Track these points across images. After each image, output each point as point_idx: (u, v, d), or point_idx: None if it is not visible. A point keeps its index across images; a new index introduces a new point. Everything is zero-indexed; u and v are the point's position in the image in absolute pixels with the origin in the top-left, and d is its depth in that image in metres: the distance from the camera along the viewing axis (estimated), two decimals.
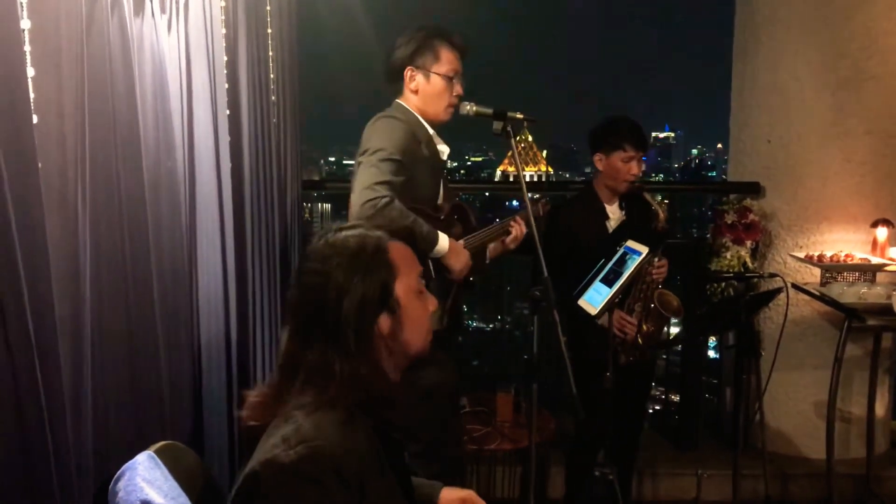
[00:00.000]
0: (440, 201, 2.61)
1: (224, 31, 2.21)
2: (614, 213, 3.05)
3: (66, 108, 1.44)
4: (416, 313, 1.47)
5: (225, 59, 2.21)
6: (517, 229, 2.68)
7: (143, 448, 1.55)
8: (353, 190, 2.35)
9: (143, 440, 1.64)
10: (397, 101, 2.61)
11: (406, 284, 1.45)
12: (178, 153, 1.97)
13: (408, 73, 2.56)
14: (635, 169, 2.94)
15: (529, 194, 2.63)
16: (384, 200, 2.26)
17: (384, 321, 1.42)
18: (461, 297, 2.63)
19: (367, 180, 2.31)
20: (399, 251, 1.47)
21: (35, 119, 1.32)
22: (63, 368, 1.39)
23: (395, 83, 2.62)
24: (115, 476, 1.49)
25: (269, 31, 2.58)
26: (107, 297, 1.61)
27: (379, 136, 2.44)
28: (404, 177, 2.39)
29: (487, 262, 2.77)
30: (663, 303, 2.85)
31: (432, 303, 1.53)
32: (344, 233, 1.45)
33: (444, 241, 2.44)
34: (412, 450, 2.52)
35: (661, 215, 2.89)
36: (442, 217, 2.56)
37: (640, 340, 2.87)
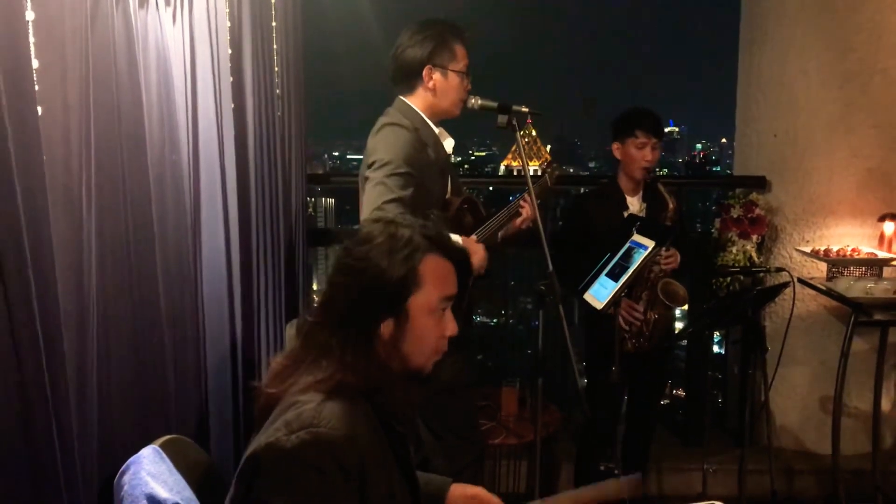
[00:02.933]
0: (448, 195, 2.58)
1: (229, 23, 2.19)
2: (634, 205, 3.05)
3: (71, 101, 1.43)
4: (423, 332, 1.44)
5: (229, 52, 2.20)
6: (527, 210, 2.61)
7: (148, 442, 1.55)
8: (361, 208, 2.32)
9: (148, 434, 1.63)
10: (401, 98, 2.53)
11: (424, 300, 1.43)
12: (183, 146, 1.96)
13: (426, 72, 2.49)
14: (649, 155, 2.93)
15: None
16: None
17: (387, 326, 1.42)
18: (474, 297, 2.60)
19: (375, 199, 2.26)
20: (433, 266, 1.44)
21: (40, 111, 1.31)
22: (68, 362, 1.39)
23: (405, 82, 2.53)
24: (121, 469, 1.50)
25: (274, 24, 2.57)
26: (112, 291, 1.60)
27: (384, 147, 2.38)
28: (413, 187, 2.33)
29: (499, 240, 2.70)
30: (668, 292, 2.85)
31: (451, 328, 1.49)
32: (394, 226, 1.45)
33: (455, 240, 2.39)
34: (438, 445, 2.52)
35: (671, 206, 2.89)
36: (451, 214, 2.53)
37: (645, 329, 2.87)
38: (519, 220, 2.63)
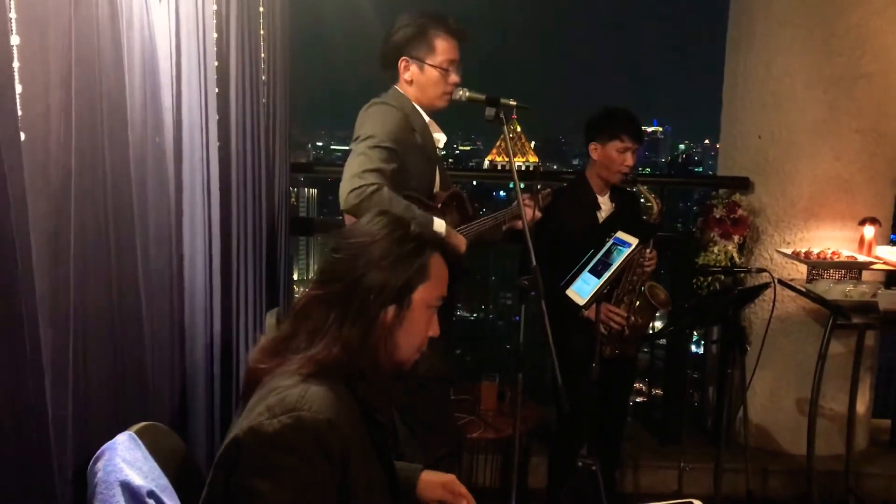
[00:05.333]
0: (436, 190, 2.57)
1: (215, 6, 2.16)
2: (606, 204, 3.05)
3: (52, 79, 1.40)
4: (418, 325, 1.48)
5: (215, 35, 2.17)
6: (529, 212, 2.65)
7: (123, 428, 1.53)
8: (343, 178, 2.32)
9: (124, 421, 1.61)
10: (394, 86, 2.56)
11: (425, 295, 1.47)
12: (167, 129, 1.93)
13: (402, 63, 2.50)
14: (629, 160, 2.94)
15: (522, 183, 2.61)
16: (371, 188, 2.22)
17: (391, 312, 1.43)
18: (456, 291, 2.60)
19: (355, 168, 2.28)
20: (438, 265, 1.49)
21: (19, 88, 1.28)
22: (44, 346, 1.36)
23: (389, 70, 2.56)
24: (95, 456, 1.47)
25: (262, 9, 2.54)
26: (90, 275, 1.57)
27: (371, 122, 2.40)
28: (396, 164, 2.35)
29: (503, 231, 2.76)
30: (654, 295, 2.85)
31: (435, 329, 1.53)
32: (402, 221, 1.49)
33: (440, 225, 2.40)
34: (412, 438, 2.51)
35: (657, 207, 2.90)
36: (438, 206, 2.53)
37: (626, 332, 2.87)
38: (519, 222, 2.63)
